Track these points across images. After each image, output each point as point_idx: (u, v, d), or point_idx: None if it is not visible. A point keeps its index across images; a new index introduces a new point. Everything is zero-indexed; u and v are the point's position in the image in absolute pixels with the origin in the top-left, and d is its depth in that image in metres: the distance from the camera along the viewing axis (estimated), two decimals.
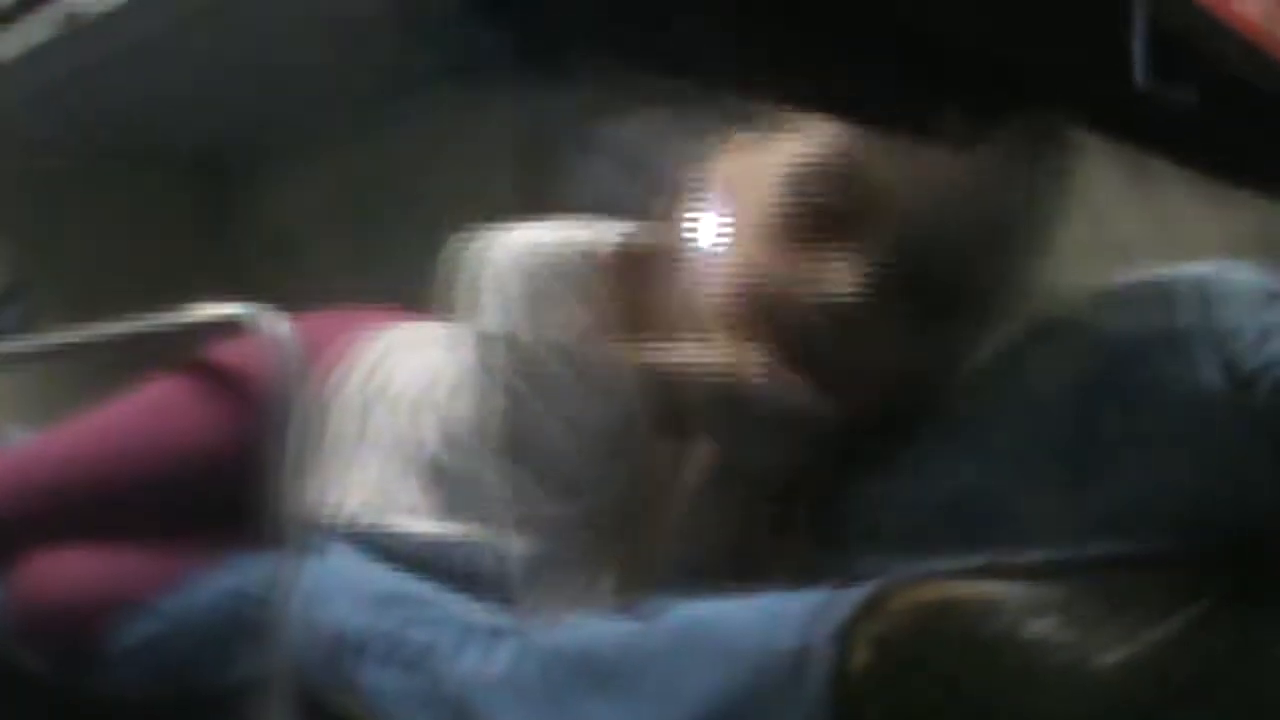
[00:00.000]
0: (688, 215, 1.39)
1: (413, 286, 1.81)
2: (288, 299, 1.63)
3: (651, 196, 1.94)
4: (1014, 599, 0.99)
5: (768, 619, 1.03)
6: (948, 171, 1.24)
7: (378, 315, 1.74)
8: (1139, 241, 1.52)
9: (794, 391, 1.25)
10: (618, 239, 1.41)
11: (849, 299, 1.26)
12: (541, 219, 1.46)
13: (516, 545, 1.31)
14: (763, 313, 1.29)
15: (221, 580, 1.53)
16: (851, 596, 1.00)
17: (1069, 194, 1.30)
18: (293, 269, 2.78)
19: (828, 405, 1.25)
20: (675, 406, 1.30)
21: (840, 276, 1.26)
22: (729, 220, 1.36)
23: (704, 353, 1.31)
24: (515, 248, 1.42)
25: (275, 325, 1.57)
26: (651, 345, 1.35)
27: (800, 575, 1.11)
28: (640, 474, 1.30)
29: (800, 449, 1.26)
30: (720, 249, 1.35)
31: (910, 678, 0.97)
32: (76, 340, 1.95)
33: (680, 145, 1.92)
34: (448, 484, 1.44)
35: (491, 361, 1.38)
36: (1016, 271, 1.30)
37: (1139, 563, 1.05)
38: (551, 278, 1.38)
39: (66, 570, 1.68)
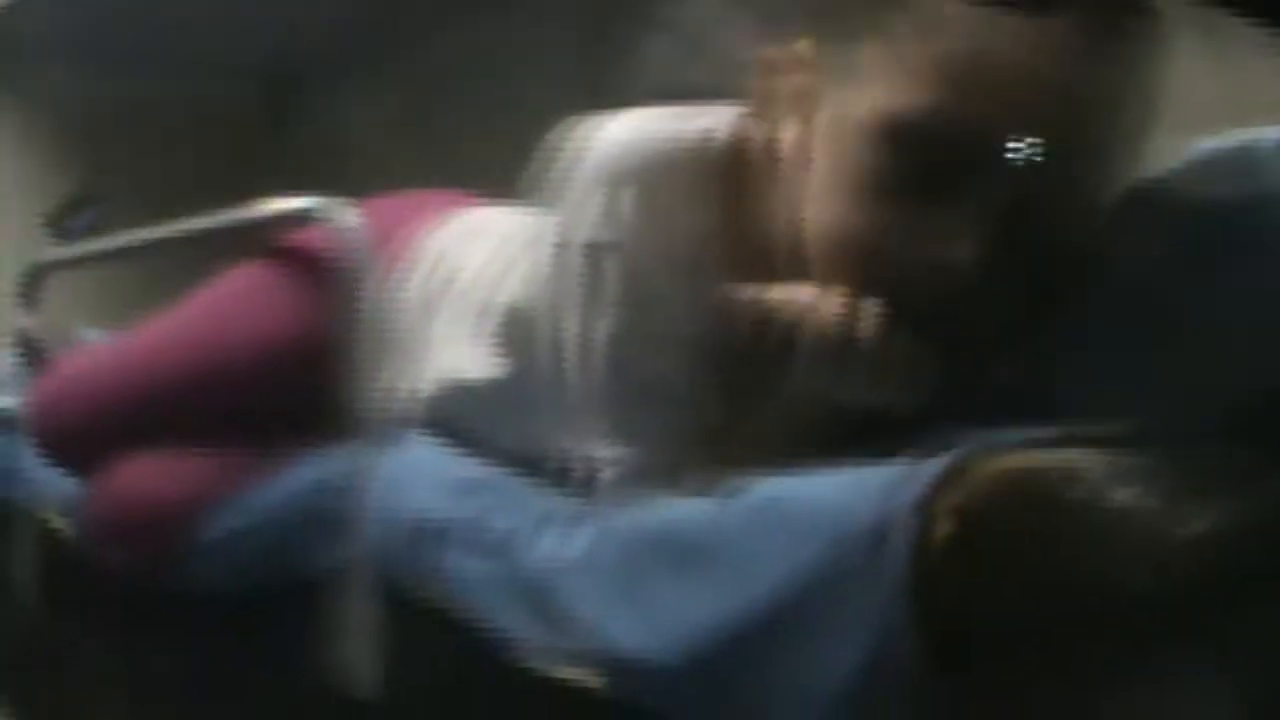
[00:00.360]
0: (774, 123, 1.31)
1: (481, 184, 1.81)
2: (355, 197, 1.63)
3: (721, 79, 1.92)
4: (1096, 468, 0.98)
5: (844, 493, 1.02)
6: (1053, 70, 1.20)
7: (448, 200, 1.73)
8: (1213, 106, 1.49)
9: (900, 351, 1.22)
10: (724, 134, 1.32)
11: (962, 263, 1.20)
12: (610, 109, 1.42)
13: (601, 450, 1.29)
14: (868, 270, 1.23)
15: (302, 472, 1.54)
16: (930, 468, 0.99)
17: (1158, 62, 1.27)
18: (359, 172, 2.78)
19: (934, 362, 1.21)
20: (775, 341, 1.26)
21: (951, 238, 1.20)
22: (824, 158, 1.27)
23: (808, 300, 1.26)
24: (619, 143, 1.34)
25: (345, 215, 1.57)
26: (753, 277, 1.29)
27: (879, 450, 1.10)
28: (733, 389, 1.27)
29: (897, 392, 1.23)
30: (819, 186, 1.27)
31: (992, 548, 0.96)
32: (148, 238, 1.96)
33: (752, 23, 1.90)
34: (522, 383, 1.42)
35: (591, 270, 1.32)
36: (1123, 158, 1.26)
37: (1228, 435, 1.04)
38: (661, 179, 1.31)
39: (150, 472, 1.69)
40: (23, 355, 2.04)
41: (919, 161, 1.20)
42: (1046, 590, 0.95)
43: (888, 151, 1.21)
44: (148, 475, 1.69)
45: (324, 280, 1.57)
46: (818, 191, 1.25)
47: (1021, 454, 0.99)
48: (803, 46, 1.28)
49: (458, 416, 1.48)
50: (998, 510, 0.96)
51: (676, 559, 1.12)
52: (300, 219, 1.62)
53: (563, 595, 1.20)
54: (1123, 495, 0.96)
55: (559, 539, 1.24)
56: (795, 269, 1.26)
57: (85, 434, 1.77)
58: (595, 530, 1.21)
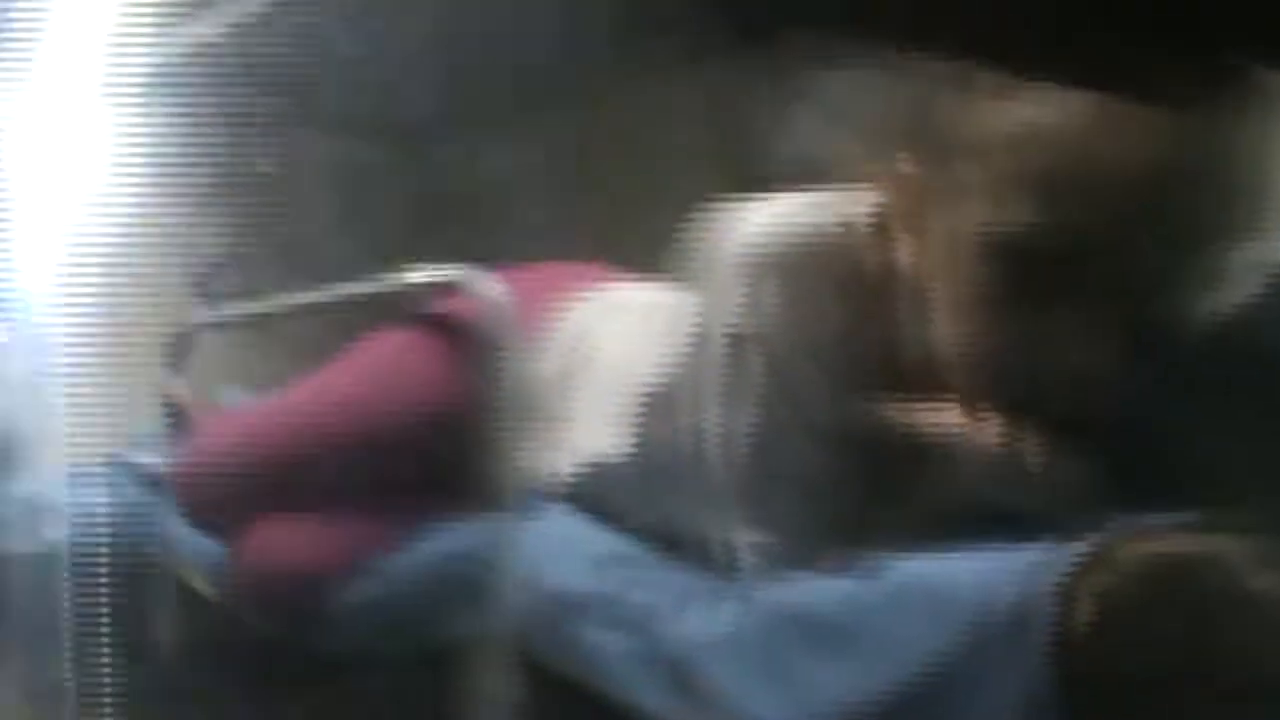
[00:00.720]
0: (892, 241, 1.31)
1: (621, 250, 1.82)
2: (497, 262, 1.64)
3: (860, 151, 1.92)
4: (1237, 553, 0.97)
5: (986, 575, 1.02)
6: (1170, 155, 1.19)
7: (587, 272, 1.74)
8: None
9: (1024, 449, 1.21)
10: (861, 227, 1.32)
11: (1094, 367, 1.19)
12: (754, 179, 1.42)
13: (740, 534, 1.30)
14: (1002, 385, 1.23)
15: (442, 541, 1.55)
16: (1072, 552, 0.98)
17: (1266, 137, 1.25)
18: (501, 233, 2.80)
19: (1077, 462, 1.20)
20: (921, 458, 1.25)
21: (1079, 345, 1.19)
22: (943, 275, 1.26)
23: (938, 416, 1.26)
24: (761, 234, 1.35)
25: (489, 286, 1.58)
26: (892, 378, 1.29)
27: (1017, 532, 1.09)
28: (874, 487, 1.26)
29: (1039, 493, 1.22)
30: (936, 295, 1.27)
31: (1133, 634, 0.96)
32: (294, 305, 1.98)
33: (889, 98, 1.90)
34: (663, 465, 1.43)
35: (734, 360, 1.33)
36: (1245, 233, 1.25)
37: None
38: (802, 272, 1.32)
39: (291, 537, 1.70)
40: (168, 416, 2.07)
41: (1032, 274, 1.19)
42: (1187, 675, 0.94)
43: (1001, 267, 1.20)
44: (289, 540, 1.70)
45: (467, 350, 1.58)
46: (943, 307, 1.24)
47: (1162, 538, 0.98)
48: (906, 165, 1.28)
49: (597, 493, 1.48)
50: (1139, 596, 0.96)
51: (819, 637, 1.12)
52: (444, 288, 1.63)
53: (705, 671, 1.20)
54: (1263, 581, 0.96)
55: (701, 615, 1.24)
56: (932, 379, 1.25)
57: (227, 499, 1.78)
58: (737, 607, 1.21)
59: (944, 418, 1.23)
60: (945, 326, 1.23)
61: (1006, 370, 1.21)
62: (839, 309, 1.30)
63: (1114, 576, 0.96)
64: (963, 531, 1.17)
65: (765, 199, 1.38)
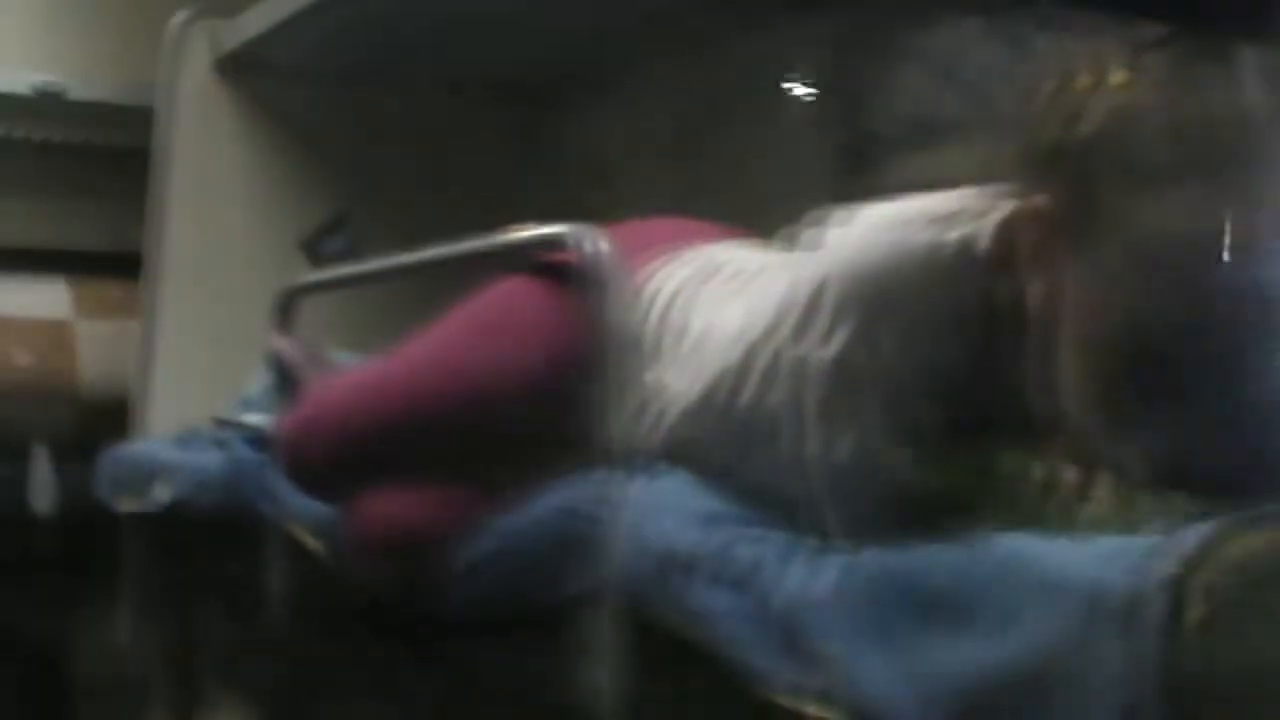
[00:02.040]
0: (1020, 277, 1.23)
1: (731, 211, 1.81)
2: (609, 222, 1.64)
3: (969, 107, 1.90)
4: None
5: (1097, 561, 1.00)
6: None
7: (690, 229, 1.73)
8: None
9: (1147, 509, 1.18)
10: (980, 243, 1.25)
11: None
12: (869, 140, 1.38)
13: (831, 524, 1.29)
14: (1119, 450, 1.16)
15: (551, 499, 1.55)
16: (1181, 543, 0.97)
17: None
18: (610, 194, 2.80)
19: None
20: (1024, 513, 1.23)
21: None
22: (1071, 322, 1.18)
23: (1071, 481, 1.23)
24: (860, 256, 1.30)
25: (597, 242, 1.58)
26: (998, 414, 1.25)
27: (1125, 520, 1.08)
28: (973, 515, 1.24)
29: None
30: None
31: (1242, 628, 0.94)
32: (401, 264, 1.99)
33: (997, 52, 1.88)
34: (755, 435, 1.41)
35: (831, 387, 1.31)
36: None
37: None
38: (909, 293, 1.27)
39: (402, 500, 1.71)
40: (276, 377, 2.09)
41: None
42: None
43: (1134, 345, 1.13)
44: (400, 504, 1.71)
45: (575, 307, 1.58)
46: (1069, 354, 1.17)
47: (1273, 529, 0.97)
48: (1041, 201, 1.20)
49: (694, 452, 1.48)
50: (1248, 589, 0.94)
51: (925, 605, 1.11)
52: (551, 244, 1.63)
53: (810, 631, 1.19)
54: None
55: (805, 572, 1.24)
56: (1048, 423, 1.20)
57: (336, 463, 1.79)
58: (842, 566, 1.20)
59: (1052, 471, 1.21)
60: (1066, 380, 1.18)
61: (1125, 440, 1.16)
62: (950, 335, 1.26)
63: (1221, 571, 0.94)
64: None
65: (866, 213, 1.34)
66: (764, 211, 1.62)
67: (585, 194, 2.84)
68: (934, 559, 1.13)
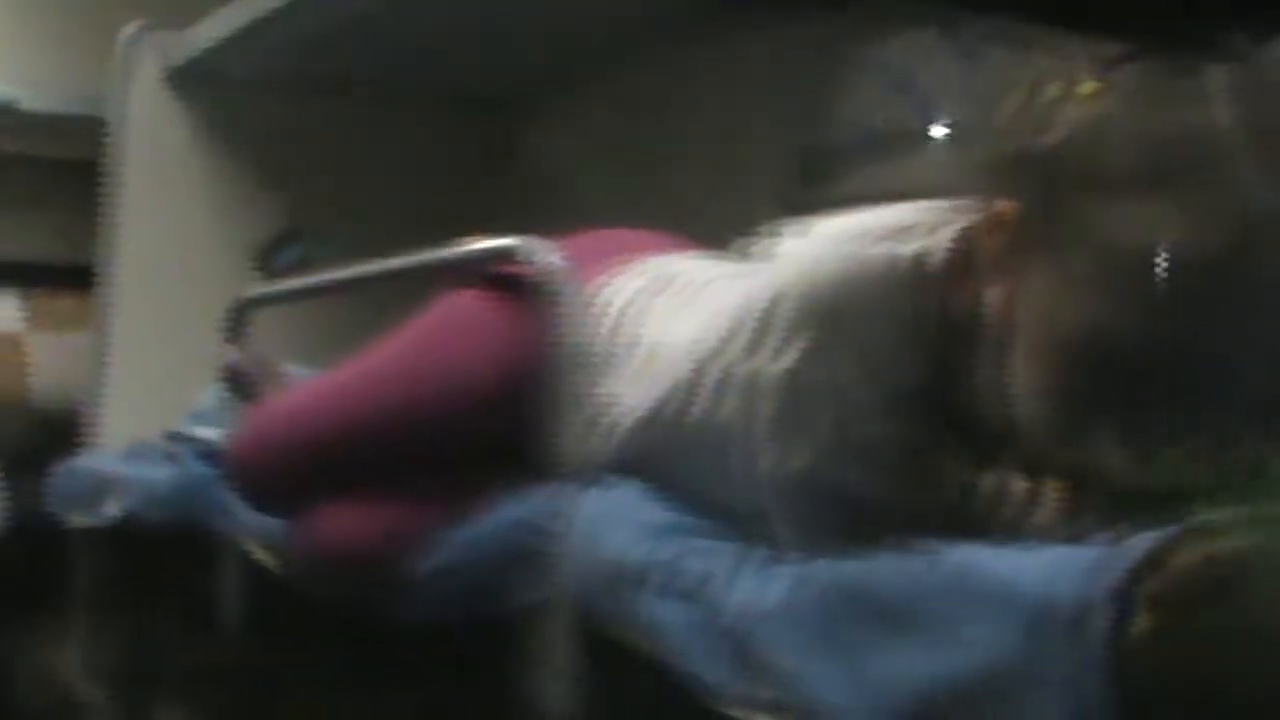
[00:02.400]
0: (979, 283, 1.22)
1: (686, 220, 1.81)
2: (562, 233, 1.64)
3: (922, 117, 1.90)
4: None
5: (1045, 572, 1.00)
6: None
7: (644, 240, 1.73)
8: None
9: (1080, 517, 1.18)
10: (940, 253, 1.24)
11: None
12: (825, 150, 1.38)
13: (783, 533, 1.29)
14: (1074, 459, 1.16)
15: (504, 512, 1.54)
16: (1129, 552, 0.96)
17: None
18: (567, 204, 2.79)
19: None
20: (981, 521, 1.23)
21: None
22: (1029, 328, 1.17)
23: (1020, 493, 1.22)
24: (815, 270, 1.29)
25: (549, 254, 1.57)
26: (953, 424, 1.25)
27: (1074, 529, 1.08)
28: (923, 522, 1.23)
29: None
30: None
31: (1189, 638, 0.94)
32: (354, 275, 1.98)
33: (951, 65, 1.88)
34: (706, 448, 1.41)
35: (783, 399, 1.30)
36: None
37: None
38: (867, 305, 1.25)
39: (353, 515, 1.70)
40: (228, 390, 2.08)
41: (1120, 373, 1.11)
42: (1243, 679, 0.93)
43: (1092, 361, 1.12)
44: (351, 518, 1.70)
45: (527, 319, 1.58)
46: (1026, 360, 1.17)
47: (1220, 537, 0.97)
48: (1006, 208, 1.19)
49: (645, 464, 1.48)
50: (1194, 599, 0.94)
51: (875, 615, 1.11)
52: (504, 256, 1.62)
53: (760, 642, 1.19)
54: None
55: (756, 584, 1.23)
56: (1000, 432, 1.20)
57: (286, 477, 1.78)
58: (792, 577, 1.20)
59: (1001, 481, 1.21)
60: (1021, 387, 1.17)
61: (1079, 447, 1.15)
62: (904, 349, 1.25)
63: (1169, 581, 0.94)
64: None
65: (834, 220, 1.33)
66: (719, 222, 1.62)
67: (540, 205, 2.84)
68: (884, 570, 1.13)
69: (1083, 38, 1.25)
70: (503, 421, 1.54)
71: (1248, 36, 1.11)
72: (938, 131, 1.79)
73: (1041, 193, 1.16)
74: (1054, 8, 1.28)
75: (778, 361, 1.30)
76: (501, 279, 1.65)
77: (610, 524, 1.41)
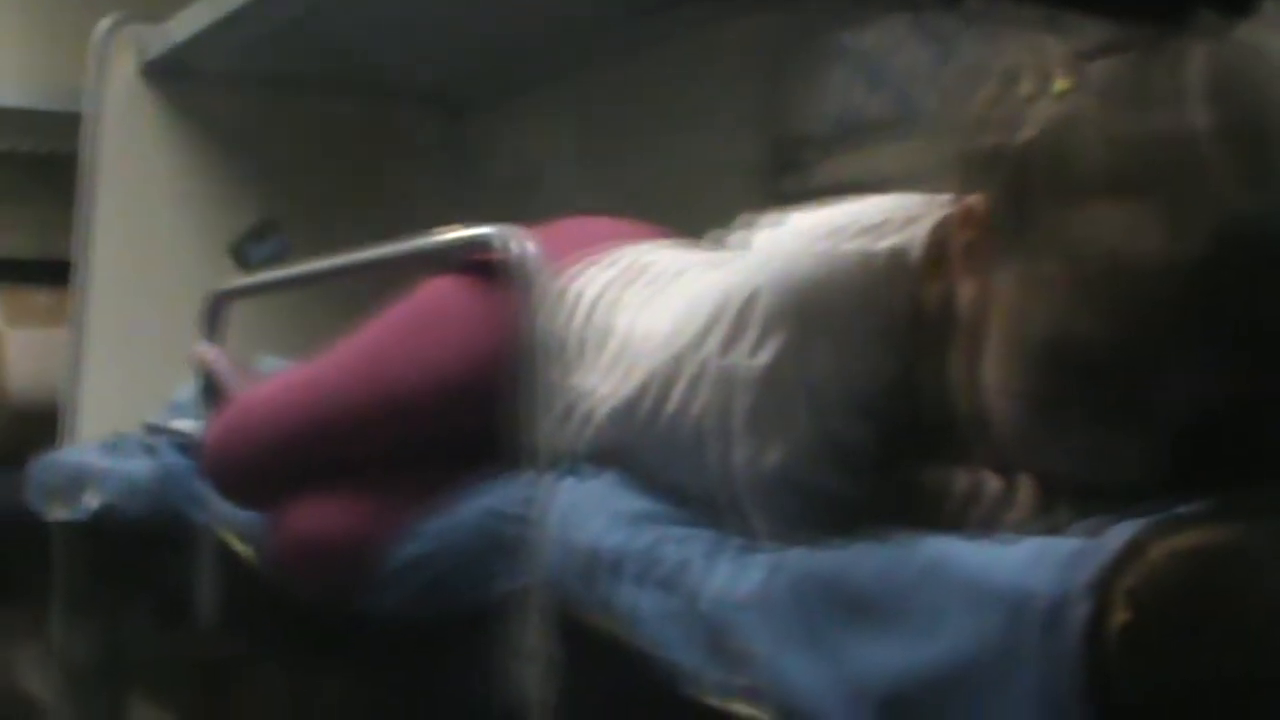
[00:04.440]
0: (950, 277, 1.21)
1: (656, 211, 1.82)
2: (534, 224, 1.64)
3: (894, 107, 1.91)
4: (1273, 541, 0.96)
5: (1022, 563, 1.00)
6: None
7: (616, 229, 1.73)
8: None
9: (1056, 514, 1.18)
10: (914, 249, 1.24)
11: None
12: (794, 141, 1.37)
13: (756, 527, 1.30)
14: (1046, 456, 1.16)
15: (479, 501, 1.54)
16: (1105, 547, 0.97)
17: None
18: (538, 197, 2.80)
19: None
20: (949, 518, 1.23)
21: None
22: (1000, 323, 1.16)
23: (992, 490, 1.22)
24: (787, 265, 1.29)
25: (523, 243, 1.57)
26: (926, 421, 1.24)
27: (1047, 525, 1.08)
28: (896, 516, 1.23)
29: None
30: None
31: (1165, 633, 0.94)
32: (327, 267, 1.98)
33: (924, 54, 1.89)
34: (678, 440, 1.41)
35: (756, 395, 1.30)
36: None
37: None
38: (841, 301, 1.25)
39: (327, 508, 1.70)
40: (202, 383, 2.08)
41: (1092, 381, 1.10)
42: (1219, 673, 0.93)
43: (1060, 362, 1.12)
44: (326, 510, 1.70)
45: (501, 308, 1.58)
46: (995, 358, 1.16)
47: (1196, 530, 0.97)
48: (978, 202, 1.19)
49: (619, 454, 1.49)
50: (1171, 595, 0.94)
51: (851, 605, 1.11)
52: (478, 246, 1.63)
53: (736, 630, 1.19)
54: None
55: (731, 572, 1.24)
56: (971, 429, 1.20)
57: (260, 470, 1.78)
58: (768, 566, 1.21)
59: (975, 479, 1.21)
60: (997, 382, 1.17)
61: (1047, 444, 1.15)
62: (879, 346, 1.25)
63: (1144, 576, 0.94)
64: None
65: (809, 214, 1.32)
66: (693, 212, 1.62)
67: (514, 198, 2.84)
68: (860, 560, 1.13)
69: (1061, 20, 1.25)
70: (477, 410, 1.53)
71: (1225, 16, 1.10)
72: (911, 121, 1.79)
73: (1011, 192, 1.15)
74: None
75: (754, 358, 1.29)
76: (476, 268, 1.65)
77: (585, 512, 1.42)
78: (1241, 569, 0.95)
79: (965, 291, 1.20)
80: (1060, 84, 1.13)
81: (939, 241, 1.23)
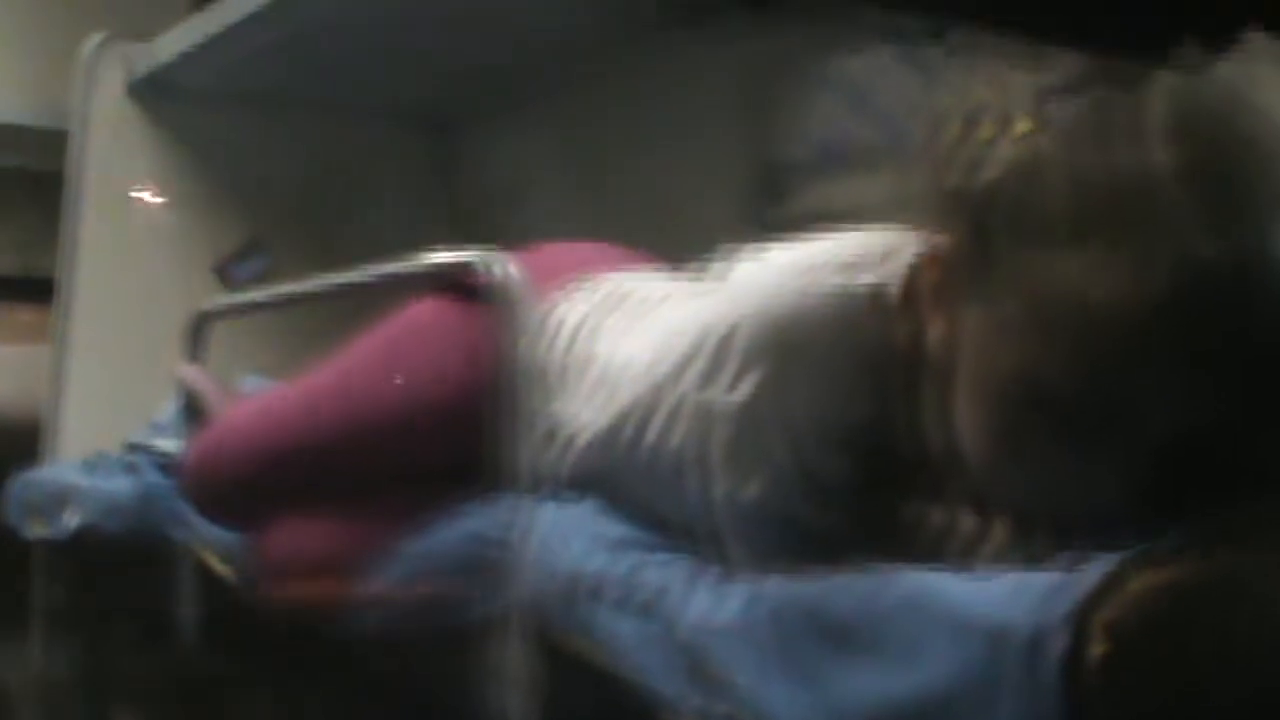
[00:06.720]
0: (920, 317, 1.22)
1: (643, 237, 1.82)
2: (518, 247, 1.64)
3: (880, 134, 1.91)
4: (1252, 573, 0.96)
5: (1001, 596, 1.00)
6: None
7: (598, 255, 1.73)
8: None
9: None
10: (890, 287, 1.24)
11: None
12: (778, 166, 1.38)
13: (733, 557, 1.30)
14: (1019, 491, 1.16)
15: (460, 524, 1.54)
16: (1083, 579, 0.97)
17: None
18: (523, 219, 2.80)
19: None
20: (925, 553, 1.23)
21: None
22: (970, 361, 1.17)
23: (968, 528, 1.21)
24: (765, 302, 1.29)
25: (506, 268, 1.58)
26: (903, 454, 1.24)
27: (1023, 561, 1.09)
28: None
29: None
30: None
31: (1143, 665, 0.94)
32: (313, 288, 1.98)
33: (910, 80, 1.89)
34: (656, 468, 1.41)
35: (734, 431, 1.30)
36: None
37: None
38: (820, 339, 1.26)
39: (307, 530, 1.70)
40: (183, 403, 2.08)
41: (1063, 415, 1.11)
42: (1196, 704, 0.94)
43: (1025, 401, 1.12)
44: (306, 533, 1.70)
45: (483, 333, 1.58)
46: (964, 396, 1.17)
47: (1173, 564, 0.97)
48: (944, 242, 1.19)
49: (599, 480, 1.49)
50: (1148, 628, 0.94)
51: (830, 635, 1.11)
52: (461, 269, 1.63)
53: (715, 657, 1.19)
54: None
55: (711, 599, 1.24)
56: (946, 465, 1.20)
57: (240, 490, 1.79)
58: (748, 594, 1.21)
59: (950, 515, 1.22)
60: (961, 422, 1.18)
61: (1017, 481, 1.16)
62: (857, 382, 1.25)
63: (1123, 609, 0.95)
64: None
65: (789, 249, 1.33)
66: (677, 234, 1.63)
67: (499, 219, 2.84)
68: (840, 590, 1.13)
69: (1044, 53, 1.24)
70: (458, 434, 1.54)
71: (1199, 47, 1.10)
72: (895, 150, 1.79)
73: (974, 233, 1.15)
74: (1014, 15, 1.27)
75: (732, 393, 1.30)
76: (458, 291, 1.66)
77: (566, 537, 1.42)
78: (1218, 602, 0.96)
79: (934, 330, 1.20)
80: (1021, 125, 1.13)
81: (911, 280, 1.24)
